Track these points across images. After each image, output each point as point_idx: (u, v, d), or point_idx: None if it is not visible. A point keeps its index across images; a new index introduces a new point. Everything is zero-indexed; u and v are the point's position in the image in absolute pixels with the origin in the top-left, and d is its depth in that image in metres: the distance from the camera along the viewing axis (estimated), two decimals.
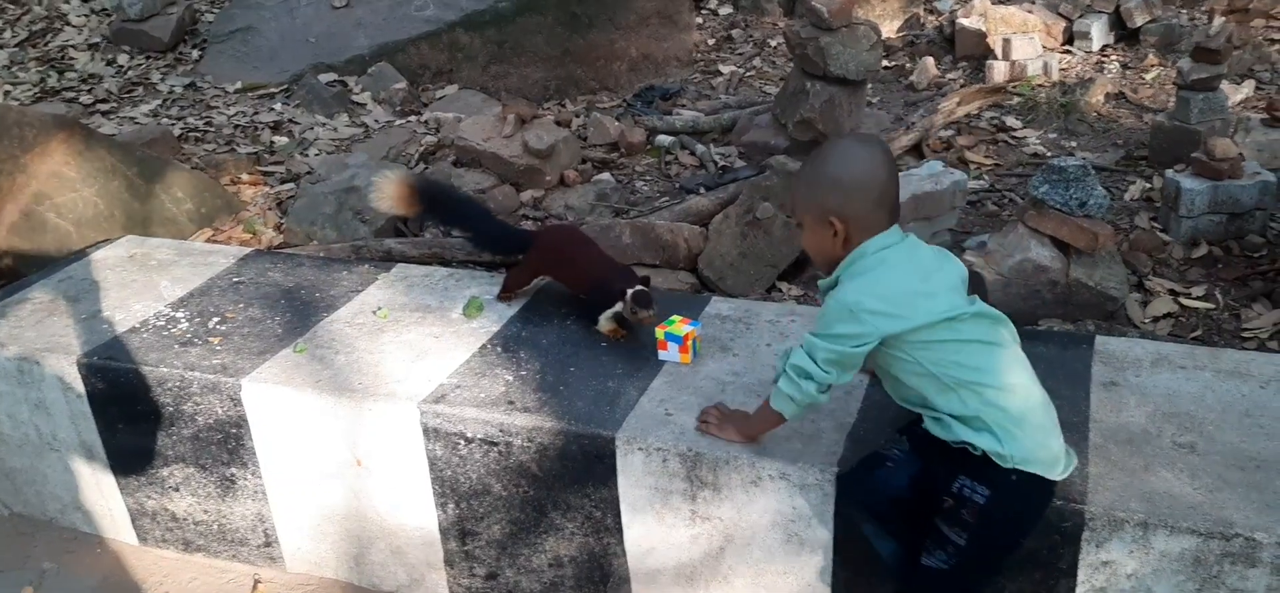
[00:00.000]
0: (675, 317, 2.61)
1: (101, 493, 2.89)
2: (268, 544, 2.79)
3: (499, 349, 2.67)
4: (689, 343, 2.57)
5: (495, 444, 2.40)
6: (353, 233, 4.30)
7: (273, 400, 2.57)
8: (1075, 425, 2.22)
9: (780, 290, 3.97)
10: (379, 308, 2.90)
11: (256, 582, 2.78)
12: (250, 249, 3.43)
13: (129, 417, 2.73)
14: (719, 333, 2.69)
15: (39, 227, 3.99)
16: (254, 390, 2.58)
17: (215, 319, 2.88)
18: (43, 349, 2.78)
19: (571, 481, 2.38)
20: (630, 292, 2.56)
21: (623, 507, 2.35)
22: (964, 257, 3.70)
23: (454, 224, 3.23)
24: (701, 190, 4.73)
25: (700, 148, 5.39)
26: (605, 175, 5.11)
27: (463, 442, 2.43)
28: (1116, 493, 2.01)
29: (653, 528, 2.35)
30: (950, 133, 5.33)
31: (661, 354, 2.57)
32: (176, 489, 2.80)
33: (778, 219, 4.08)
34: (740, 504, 2.24)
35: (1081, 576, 2.04)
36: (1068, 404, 2.29)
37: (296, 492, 2.67)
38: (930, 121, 5.17)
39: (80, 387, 2.74)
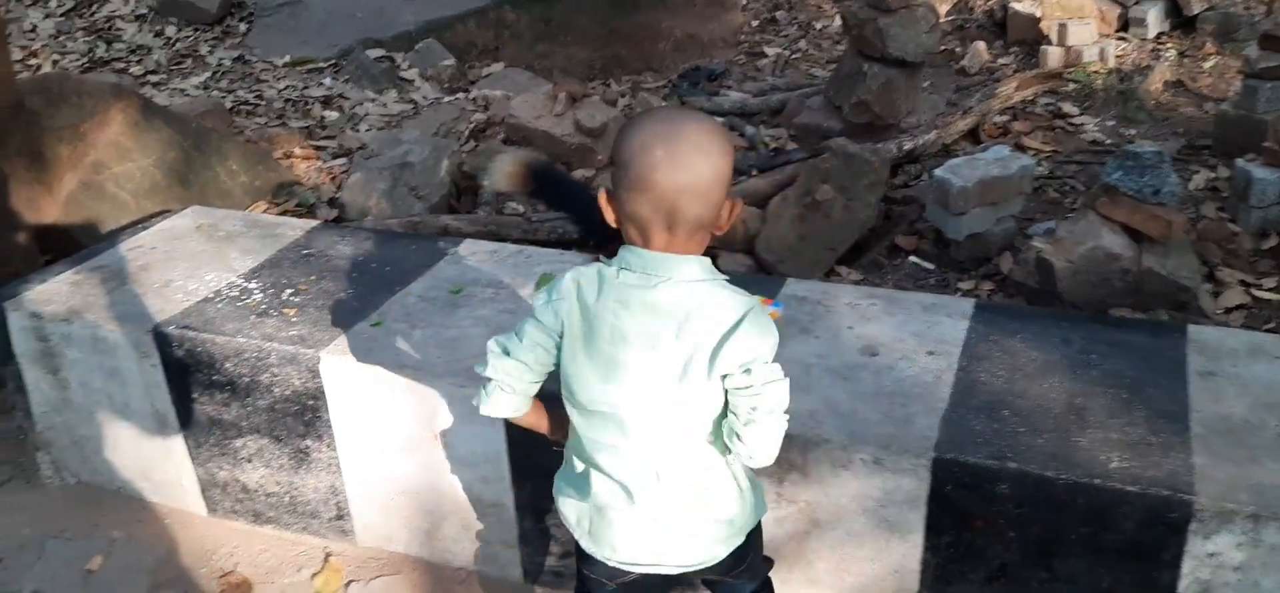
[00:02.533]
0: (757, 297, 2.58)
1: (172, 463, 2.89)
2: (339, 518, 2.78)
3: None
4: (778, 322, 2.54)
5: None
6: (408, 208, 4.28)
7: (351, 374, 2.56)
8: (1175, 415, 2.18)
9: (839, 273, 3.93)
10: (454, 285, 2.87)
11: (327, 555, 2.77)
12: (316, 222, 3.42)
13: (203, 386, 2.73)
14: (798, 314, 2.66)
15: (97, 196, 3.98)
16: (332, 363, 2.57)
17: (289, 291, 2.87)
18: (117, 318, 2.78)
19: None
20: None
21: None
22: (1032, 243, 3.65)
23: (561, 207, 3.16)
24: (754, 172, 4.68)
25: (750, 130, 5.34)
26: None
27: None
28: (1224, 485, 1.97)
29: None
30: (1006, 118, 5.26)
31: None
32: (249, 460, 2.79)
33: (837, 201, 4.04)
34: (829, 487, 2.21)
35: (1186, 568, 2.00)
36: (1166, 394, 2.26)
37: (370, 465, 2.66)
38: (987, 106, 5.11)
39: (155, 355, 2.73)
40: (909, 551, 2.21)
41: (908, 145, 4.73)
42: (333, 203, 4.43)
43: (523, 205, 4.54)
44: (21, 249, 3.56)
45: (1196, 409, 2.20)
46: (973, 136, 5.05)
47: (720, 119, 5.44)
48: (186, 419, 2.80)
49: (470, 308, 2.75)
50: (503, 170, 2.83)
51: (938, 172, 3.96)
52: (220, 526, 2.90)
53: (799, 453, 2.20)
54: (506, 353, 1.73)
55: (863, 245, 4.09)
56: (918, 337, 2.53)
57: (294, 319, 2.72)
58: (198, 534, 2.89)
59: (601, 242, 2.86)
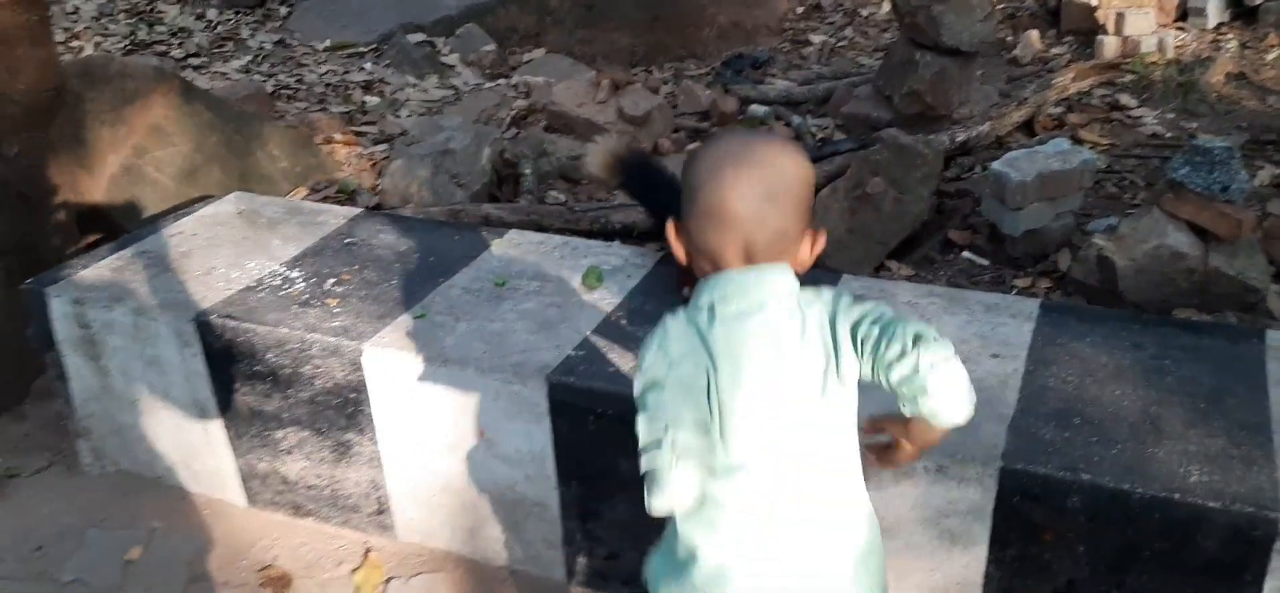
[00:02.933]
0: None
1: (212, 453, 2.85)
2: (380, 512, 2.72)
3: (624, 322, 2.57)
4: None
5: (627, 421, 2.30)
6: (449, 196, 4.22)
7: (394, 367, 2.50)
8: (1257, 426, 2.07)
9: (889, 269, 3.82)
10: (499, 278, 2.81)
11: (367, 551, 2.72)
12: (359, 210, 3.36)
13: (245, 376, 2.68)
14: None
15: (139, 180, 3.96)
16: (375, 355, 2.51)
17: (331, 280, 2.82)
18: (159, 305, 2.74)
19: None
20: None
21: None
22: (1093, 240, 3.52)
23: (643, 201, 2.96)
24: None
25: (796, 119, 5.23)
26: (697, 144, 4.98)
27: (592, 418, 2.33)
28: None
29: None
30: (1061, 110, 5.11)
31: None
32: (289, 452, 2.74)
33: (888, 194, 3.93)
34: (889, 496, 2.12)
35: (1268, 588, 1.89)
36: (1245, 403, 2.14)
37: (413, 461, 2.60)
38: (1043, 97, 4.97)
39: (196, 344, 2.69)
40: (972, 563, 2.11)
41: (961, 137, 4.60)
42: (374, 190, 4.38)
43: (564, 195, 4.47)
44: (62, 231, 3.54)
45: (1279, 420, 2.09)
46: (1027, 129, 4.91)
47: (764, 108, 5.35)
48: (227, 409, 2.76)
49: (515, 301, 2.69)
50: (598, 158, 2.72)
51: (994, 165, 3.83)
52: (260, 517, 2.86)
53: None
54: (658, 444, 1.43)
55: (914, 240, 3.97)
56: (981, 338, 2.43)
57: (336, 309, 2.67)
58: (238, 526, 2.85)
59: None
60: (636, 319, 2.57)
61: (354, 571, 2.67)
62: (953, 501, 2.07)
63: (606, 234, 4.03)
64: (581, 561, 2.54)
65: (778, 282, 1.42)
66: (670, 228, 1.45)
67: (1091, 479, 1.96)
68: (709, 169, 1.38)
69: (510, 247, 2.99)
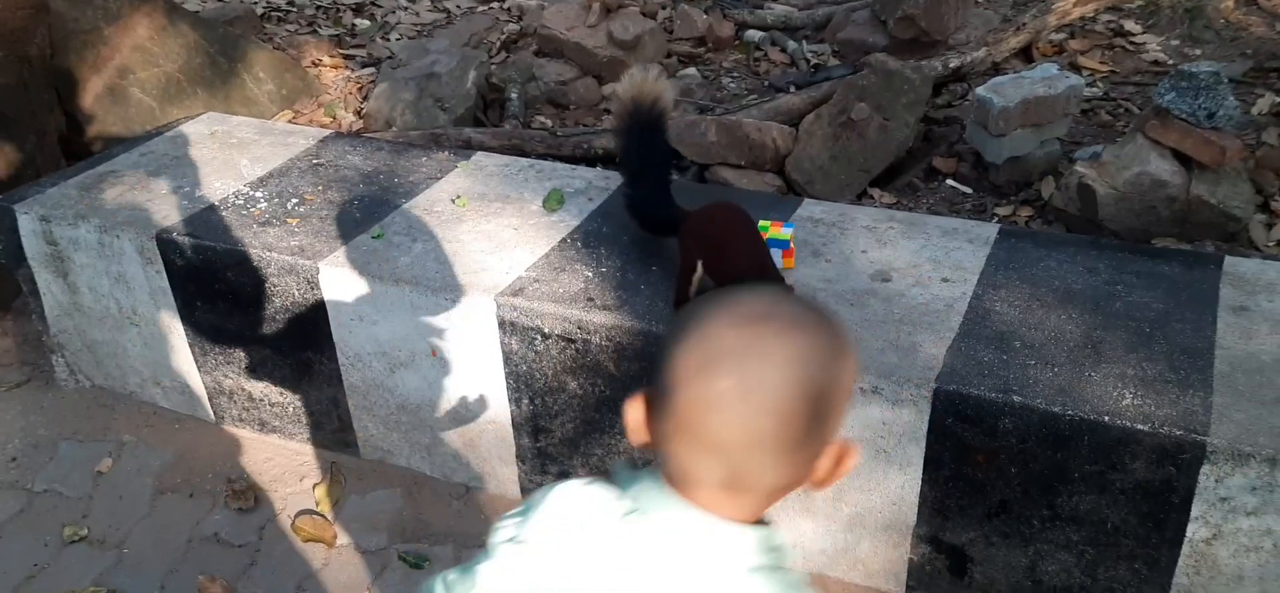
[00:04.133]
0: (765, 221, 2.47)
1: (180, 370, 2.89)
2: (342, 429, 2.76)
3: (579, 244, 2.57)
4: (793, 247, 2.44)
5: (572, 341, 2.31)
6: (432, 120, 4.21)
7: (350, 286, 2.51)
8: (1200, 352, 2.05)
9: (871, 196, 3.78)
10: (458, 197, 2.81)
11: (332, 466, 2.76)
12: (330, 131, 3.36)
13: (207, 295, 2.71)
14: (810, 237, 2.55)
15: (122, 101, 3.97)
16: (331, 275, 2.52)
17: (294, 200, 2.83)
18: (123, 223, 2.76)
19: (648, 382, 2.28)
20: None
21: None
22: (1074, 168, 3.47)
23: (628, 159, 2.51)
24: (792, 89, 4.52)
25: (792, 44, 5.15)
26: (691, 70, 4.93)
27: (539, 337, 2.34)
28: (1242, 426, 1.85)
29: None
30: (1063, 36, 5.00)
31: None
32: (253, 370, 2.77)
33: (873, 121, 3.88)
34: None
35: (1196, 511, 1.89)
36: (1191, 328, 2.12)
37: (370, 379, 2.63)
38: (1043, 22, 4.86)
39: (159, 262, 2.71)
40: (908, 482, 2.12)
41: (954, 63, 4.52)
42: (358, 113, 4.37)
43: (550, 120, 4.44)
44: (44, 153, 3.57)
45: (1223, 346, 2.06)
46: (1025, 55, 4.81)
47: (760, 34, 5.27)
48: (192, 327, 2.79)
49: (474, 222, 2.69)
50: (628, 87, 2.42)
51: (978, 91, 3.77)
52: (228, 434, 2.91)
53: None
54: None
55: (899, 167, 3.93)
56: (934, 262, 2.41)
57: (296, 229, 2.68)
58: (206, 441, 2.90)
59: (647, 226, 2.48)
60: (592, 242, 2.57)
61: (315, 486, 2.71)
62: (887, 421, 2.07)
63: (589, 160, 4.01)
64: (535, 479, 2.56)
65: (729, 551, 0.96)
66: (633, 406, 1.02)
67: (1023, 401, 1.95)
68: (700, 366, 0.93)
69: (475, 170, 2.99)
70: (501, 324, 2.37)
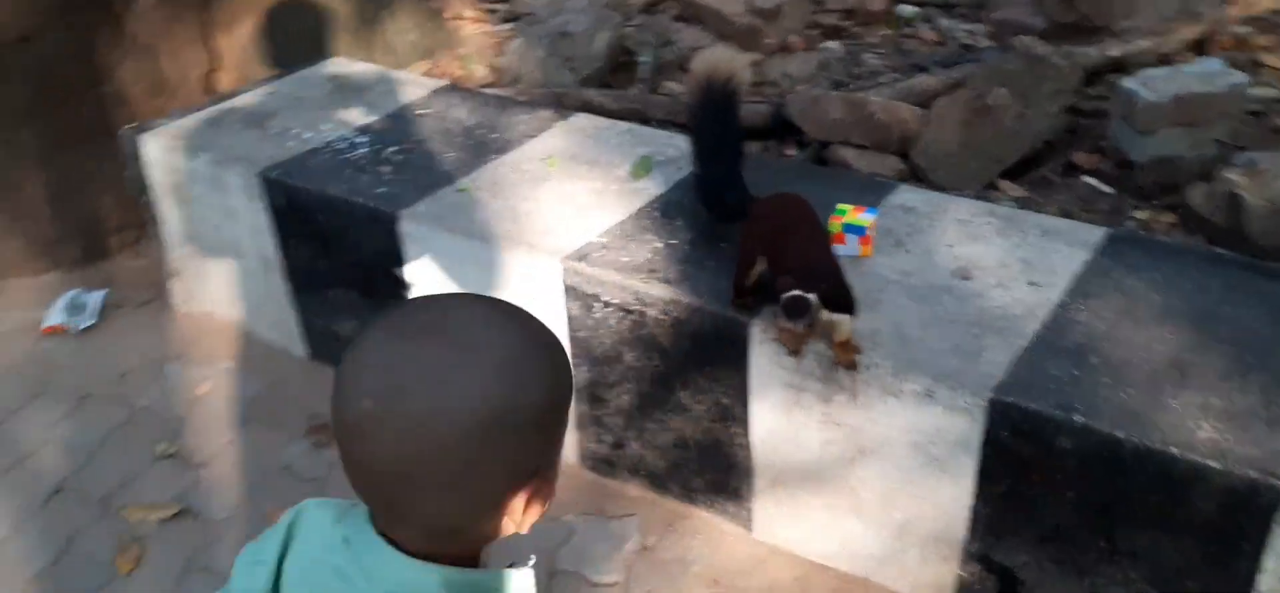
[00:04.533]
0: (846, 205, 2.35)
1: (277, 304, 3.01)
2: None
3: (656, 214, 2.52)
4: (872, 235, 2.32)
5: (630, 312, 2.27)
6: (560, 79, 4.22)
7: (427, 237, 2.55)
8: None
9: (998, 189, 3.56)
10: (550, 157, 2.80)
11: None
12: (443, 83, 3.41)
13: (301, 233, 2.81)
14: (897, 225, 2.42)
15: (267, 40, 4.15)
16: (410, 224, 2.57)
17: (392, 148, 2.89)
18: (234, 158, 2.89)
19: (703, 362, 2.22)
20: (783, 297, 1.90)
21: (751, 398, 2.17)
22: (1225, 174, 3.16)
23: (699, 140, 2.43)
24: (934, 69, 4.30)
25: (945, 22, 4.91)
26: (834, 44, 4.76)
27: (599, 304, 2.31)
28: None
29: (782, 425, 2.16)
30: (1247, 29, 4.57)
31: (839, 248, 2.28)
32: (340, 310, 2.86)
33: (1011, 108, 3.64)
34: (878, 415, 2.01)
35: (1268, 564, 1.69)
36: None
37: None
38: (1223, 12, 4.45)
39: (262, 198, 2.82)
40: (959, 495, 1.98)
41: (1113, 52, 4.19)
42: (491, 69, 4.43)
43: (679, 87, 4.38)
44: (191, 88, 3.76)
45: None
46: (1199, 47, 4.41)
47: (913, 9, 5.03)
48: (288, 263, 2.90)
49: (558, 183, 2.68)
50: (704, 65, 2.38)
51: (1125, 82, 3.48)
52: (316, 369, 3.01)
53: (848, 375, 2.01)
54: None
55: (1035, 160, 3.68)
56: (1024, 264, 2.24)
57: (387, 177, 2.74)
58: (295, 375, 3.01)
59: (713, 208, 2.41)
60: (670, 213, 2.52)
61: None
62: (940, 428, 1.94)
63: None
64: (591, 446, 2.55)
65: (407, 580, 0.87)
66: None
67: (1084, 422, 1.79)
68: (346, 384, 0.85)
69: (574, 130, 2.97)
70: (566, 289, 2.35)
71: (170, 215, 3.12)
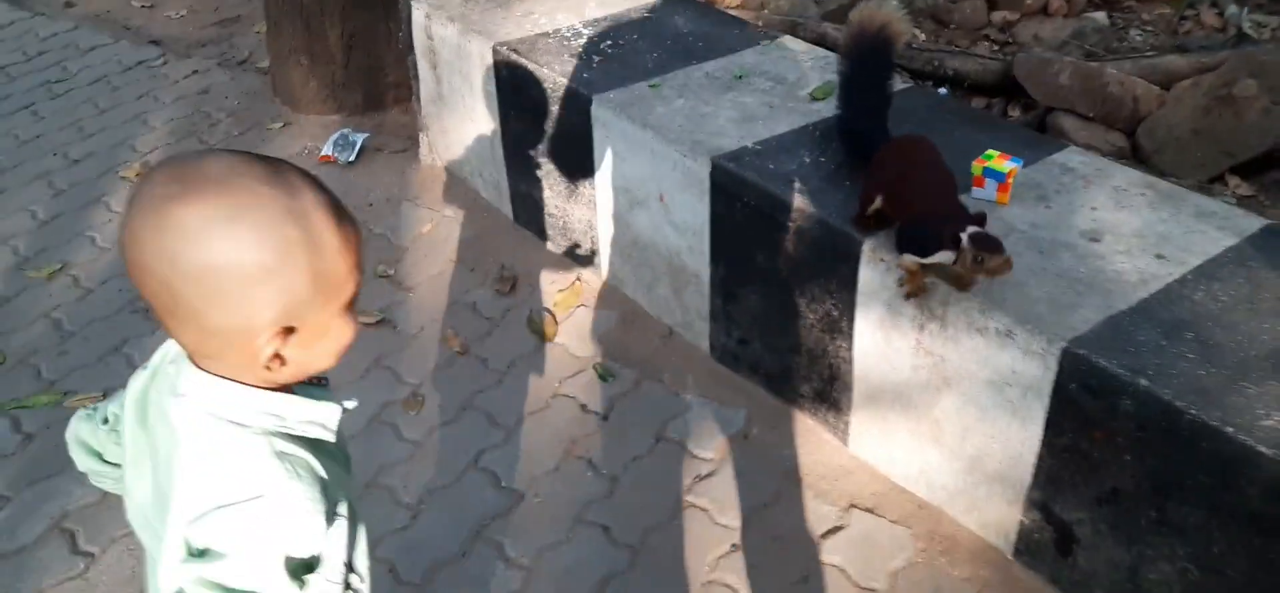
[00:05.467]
0: (992, 151, 2.40)
1: (495, 168, 3.41)
2: (592, 251, 3.12)
3: (817, 133, 2.66)
4: (1011, 182, 2.36)
5: (764, 215, 2.45)
6: (804, 9, 4.35)
7: (612, 122, 2.82)
8: None
9: (1225, 184, 3.37)
10: (743, 72, 2.99)
11: (577, 279, 3.14)
12: None
13: (518, 106, 3.17)
14: (1049, 180, 2.43)
15: None
16: (600, 109, 2.85)
17: (608, 43, 3.18)
18: (476, 31, 3.28)
19: (819, 274, 2.37)
20: (967, 234, 1.91)
21: (857, 315, 2.30)
22: None
23: (848, 86, 2.53)
24: (1196, 52, 4.05)
25: (1232, 8, 4.56)
26: (1099, 14, 4.56)
27: (739, 204, 2.51)
28: None
29: (880, 345, 2.28)
30: None
31: (976, 192, 2.37)
32: (540, 180, 3.21)
33: (1258, 102, 3.42)
34: (964, 350, 2.09)
35: None
36: None
37: (616, 211, 2.94)
38: None
39: (492, 71, 3.21)
40: (1028, 440, 2.04)
41: None
42: None
43: (923, 34, 4.39)
44: None
45: None
46: None
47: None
48: (506, 133, 3.28)
49: (739, 93, 2.87)
50: (863, 13, 2.47)
51: None
52: (518, 231, 3.39)
53: (940, 305, 2.10)
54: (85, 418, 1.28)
55: (1273, 159, 3.44)
56: (1161, 238, 2.21)
57: (594, 64, 3.03)
58: (500, 231, 3.40)
59: (849, 149, 2.51)
60: (831, 135, 2.65)
61: (560, 291, 3.11)
62: (1016, 370, 2.00)
63: (937, 79, 3.97)
64: (721, 339, 2.76)
65: (189, 384, 1.05)
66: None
67: (1148, 387, 1.80)
68: (138, 188, 0.98)
69: (774, 50, 3.14)
70: (713, 186, 2.56)
71: (425, 77, 3.58)
